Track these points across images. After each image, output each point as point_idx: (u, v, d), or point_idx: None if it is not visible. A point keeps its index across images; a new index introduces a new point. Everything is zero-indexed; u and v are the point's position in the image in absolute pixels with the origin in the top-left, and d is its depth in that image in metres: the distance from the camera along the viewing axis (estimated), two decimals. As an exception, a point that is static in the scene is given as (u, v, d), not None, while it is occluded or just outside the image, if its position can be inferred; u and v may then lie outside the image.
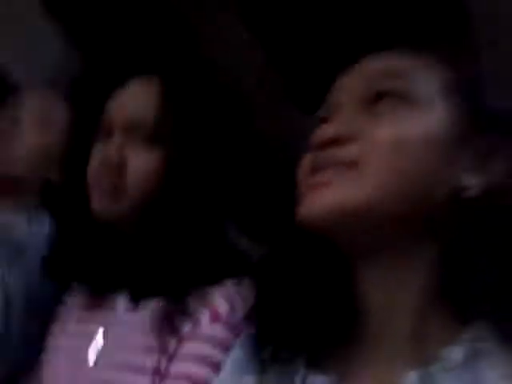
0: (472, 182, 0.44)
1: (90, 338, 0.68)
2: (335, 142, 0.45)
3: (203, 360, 0.59)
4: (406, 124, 0.45)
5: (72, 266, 0.74)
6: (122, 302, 0.69)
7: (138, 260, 0.69)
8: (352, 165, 0.44)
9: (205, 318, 0.62)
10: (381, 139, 0.44)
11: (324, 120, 0.50)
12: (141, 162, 0.69)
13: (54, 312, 0.76)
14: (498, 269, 0.40)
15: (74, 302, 0.75)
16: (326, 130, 0.47)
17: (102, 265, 0.72)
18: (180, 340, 0.62)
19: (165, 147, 0.69)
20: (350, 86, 0.50)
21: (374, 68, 0.50)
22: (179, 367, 0.60)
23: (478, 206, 0.43)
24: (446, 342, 0.40)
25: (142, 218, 0.68)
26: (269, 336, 0.49)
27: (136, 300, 0.67)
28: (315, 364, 0.46)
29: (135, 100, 0.73)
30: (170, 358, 0.61)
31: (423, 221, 0.44)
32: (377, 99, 0.47)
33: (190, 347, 0.61)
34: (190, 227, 0.67)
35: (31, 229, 0.90)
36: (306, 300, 0.48)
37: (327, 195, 0.44)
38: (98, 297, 0.72)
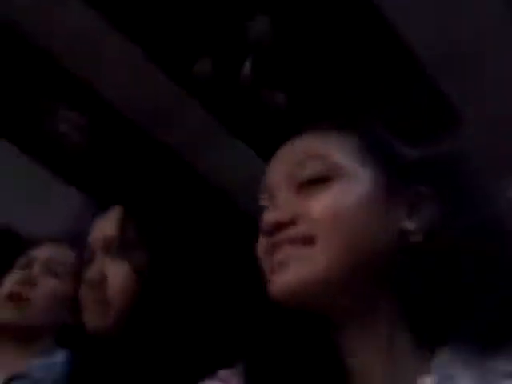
0: (412, 227, 0.50)
1: None
2: (281, 226, 0.51)
3: None
4: (337, 197, 0.50)
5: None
6: None
7: (138, 365, 0.73)
8: (305, 240, 0.50)
9: None
10: (319, 216, 0.49)
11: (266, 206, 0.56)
12: (116, 274, 0.77)
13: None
14: (451, 299, 0.45)
15: None
16: (269, 218, 0.51)
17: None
18: None
19: (132, 258, 0.77)
20: (279, 175, 0.56)
21: (298, 152, 0.55)
22: None
23: (420, 248, 0.48)
24: (421, 372, 0.44)
25: (128, 326, 0.74)
26: None
27: None
28: None
29: (107, 223, 0.84)
30: None
31: (379, 272, 0.49)
32: (308, 182, 0.53)
33: None
34: (173, 327, 0.73)
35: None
36: (295, 373, 0.51)
37: (288, 275, 0.49)
38: None
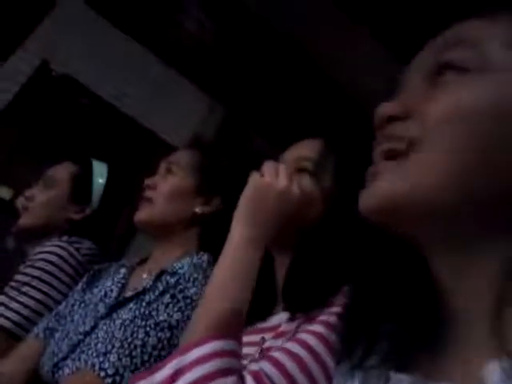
0: None
1: None
2: (393, 119, 0.43)
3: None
4: (470, 93, 0.39)
5: None
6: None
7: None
8: (409, 143, 0.41)
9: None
10: (436, 113, 0.40)
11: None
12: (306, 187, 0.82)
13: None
14: None
15: None
16: (381, 109, 0.44)
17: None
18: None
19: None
20: (419, 61, 0.47)
21: (441, 40, 0.46)
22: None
23: None
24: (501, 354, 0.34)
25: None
26: (358, 330, 0.48)
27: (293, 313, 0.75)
28: (400, 366, 0.44)
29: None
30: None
31: (500, 211, 0.38)
32: (441, 70, 0.43)
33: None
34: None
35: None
36: (393, 299, 0.47)
37: (376, 187, 0.42)
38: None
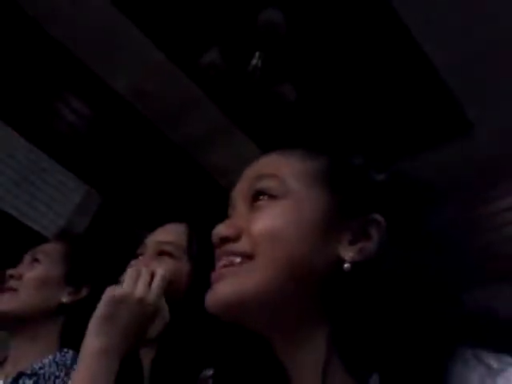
0: (347, 256, 0.50)
1: None
2: (227, 239, 0.53)
3: None
4: (279, 217, 0.51)
5: None
6: None
7: None
8: (244, 256, 0.51)
9: None
10: (257, 232, 0.51)
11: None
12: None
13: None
14: (380, 328, 0.45)
15: None
16: (217, 230, 0.54)
17: None
18: None
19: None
20: (240, 187, 0.58)
21: (253, 170, 0.58)
22: None
23: (351, 277, 0.49)
24: None
25: None
26: None
27: None
28: None
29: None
30: None
31: (313, 294, 0.49)
32: (256, 197, 0.54)
33: None
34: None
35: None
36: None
37: (222, 287, 0.51)
38: None
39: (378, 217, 0.52)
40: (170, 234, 0.91)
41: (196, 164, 3.07)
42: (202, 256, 0.85)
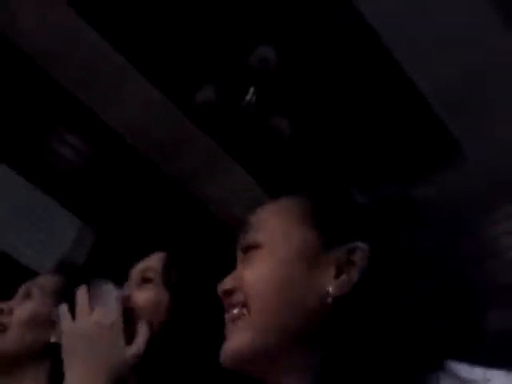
0: (334, 290, 0.50)
1: None
2: (228, 292, 0.56)
3: None
4: (263, 264, 0.54)
5: None
6: None
7: None
8: (241, 308, 0.54)
9: None
10: (246, 283, 0.54)
11: None
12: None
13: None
14: (369, 357, 0.45)
15: None
16: (219, 285, 0.57)
17: None
18: None
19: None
20: (239, 241, 0.60)
21: (250, 222, 0.60)
22: None
23: (342, 308, 0.49)
24: None
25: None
26: None
27: None
28: None
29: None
30: None
31: (309, 335, 0.51)
32: (246, 249, 0.57)
33: None
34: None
35: None
36: None
37: (229, 344, 0.53)
38: None
39: (360, 244, 0.53)
40: (152, 260, 0.91)
41: (192, 197, 3.08)
42: (182, 287, 0.84)
